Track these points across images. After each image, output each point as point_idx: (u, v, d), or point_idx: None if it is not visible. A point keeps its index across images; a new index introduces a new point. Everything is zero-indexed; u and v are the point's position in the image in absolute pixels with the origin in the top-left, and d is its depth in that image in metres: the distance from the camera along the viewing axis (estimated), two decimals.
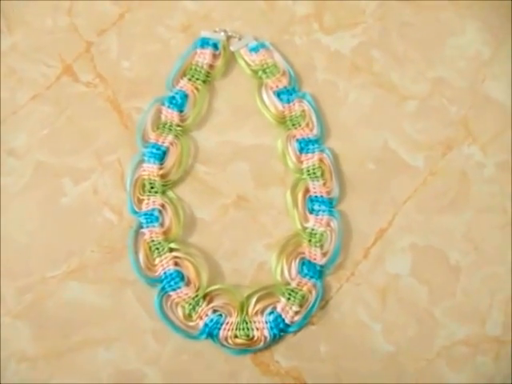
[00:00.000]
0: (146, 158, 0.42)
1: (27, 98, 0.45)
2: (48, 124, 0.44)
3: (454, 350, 0.40)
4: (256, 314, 0.39)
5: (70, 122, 0.44)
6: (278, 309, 0.39)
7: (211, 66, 0.45)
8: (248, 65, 0.45)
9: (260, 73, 0.45)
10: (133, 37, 0.46)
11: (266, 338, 0.39)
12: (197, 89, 0.44)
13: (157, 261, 0.40)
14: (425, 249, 0.42)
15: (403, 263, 0.41)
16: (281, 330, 0.39)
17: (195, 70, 0.45)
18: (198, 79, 0.45)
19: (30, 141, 0.43)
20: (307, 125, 0.44)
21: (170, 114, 0.44)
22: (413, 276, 0.41)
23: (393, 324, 0.40)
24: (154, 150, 0.43)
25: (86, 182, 0.43)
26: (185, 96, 0.44)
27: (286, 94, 0.44)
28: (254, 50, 0.45)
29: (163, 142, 0.43)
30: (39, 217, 0.42)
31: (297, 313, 0.39)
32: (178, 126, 0.43)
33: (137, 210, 0.41)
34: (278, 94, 0.44)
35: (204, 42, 0.45)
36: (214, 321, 0.39)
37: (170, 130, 0.43)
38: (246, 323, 0.39)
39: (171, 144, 0.43)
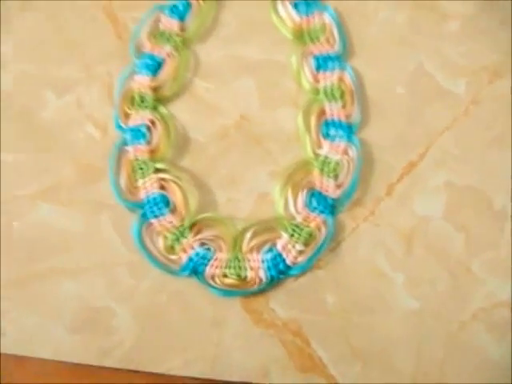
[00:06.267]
0: (138, 70, 0.35)
1: (15, 5, 0.38)
2: (35, 31, 0.37)
3: (493, 312, 0.30)
4: (251, 250, 0.31)
5: (60, 29, 0.37)
6: (279, 246, 0.31)
7: None
8: None
9: None
10: None
11: (261, 279, 0.31)
12: None
13: (140, 182, 0.33)
14: (463, 189, 0.32)
15: (435, 204, 0.32)
16: (280, 272, 0.31)
17: None
18: None
19: (15, 49, 0.37)
20: (327, 40, 0.35)
21: (169, 23, 0.36)
22: (446, 220, 0.32)
23: (419, 276, 0.31)
24: (148, 61, 0.35)
25: (70, 94, 0.36)
26: (188, 5, 0.37)
27: (305, 4, 0.36)
28: None
29: (159, 53, 0.36)
30: (15, 129, 0.35)
31: (301, 253, 0.31)
32: (178, 35, 0.36)
33: (123, 125, 0.34)
34: (296, 5, 0.36)
35: None
36: (201, 255, 0.31)
37: (169, 40, 0.36)
38: (239, 261, 0.31)
39: (168, 55, 0.36)
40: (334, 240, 0.32)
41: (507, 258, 0.31)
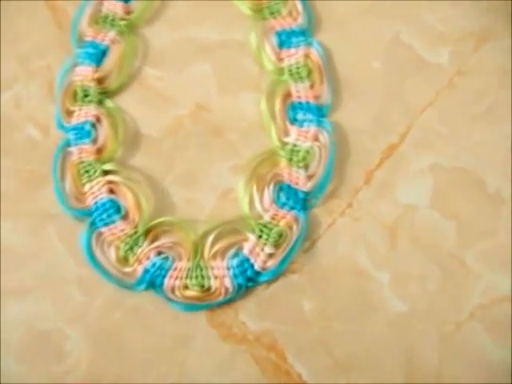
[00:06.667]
0: (79, 60, 0.31)
1: None
2: None
3: (493, 309, 0.27)
4: (214, 257, 0.27)
5: None
6: (245, 250, 0.27)
7: None
8: None
9: None
10: None
11: (226, 289, 0.27)
12: None
13: (86, 187, 0.29)
14: (451, 172, 0.29)
15: (421, 190, 0.29)
16: (248, 280, 0.27)
17: None
18: None
19: None
20: (290, 13, 0.32)
21: (112, 6, 0.32)
22: (434, 208, 0.28)
23: (406, 273, 0.27)
24: (90, 50, 0.31)
25: (6, 92, 0.32)
26: None
27: None
28: None
29: (102, 40, 0.32)
30: None
31: (271, 256, 0.27)
32: (123, 19, 0.32)
33: (65, 124, 0.30)
34: None
35: None
36: (157, 266, 0.27)
37: (113, 25, 0.32)
38: (201, 269, 0.27)
39: (112, 42, 0.32)
40: (307, 239, 0.28)
41: (506, 246, 0.27)
